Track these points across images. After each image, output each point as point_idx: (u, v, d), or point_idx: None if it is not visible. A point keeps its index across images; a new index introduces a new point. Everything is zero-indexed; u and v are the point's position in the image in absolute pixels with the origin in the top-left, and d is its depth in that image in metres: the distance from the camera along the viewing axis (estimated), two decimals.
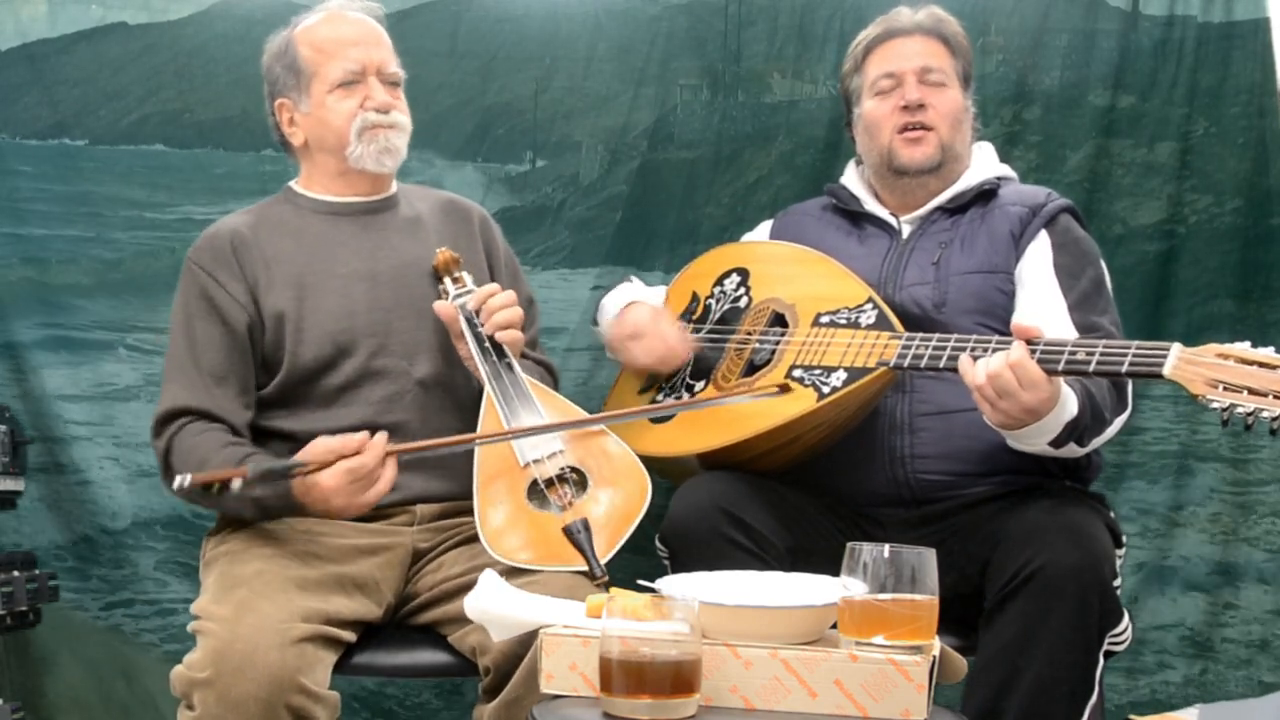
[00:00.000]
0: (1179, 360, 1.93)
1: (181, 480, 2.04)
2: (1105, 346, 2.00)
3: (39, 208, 2.96)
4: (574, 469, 2.20)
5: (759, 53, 3.04)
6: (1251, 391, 1.86)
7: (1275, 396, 1.84)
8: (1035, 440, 2.10)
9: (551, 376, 2.53)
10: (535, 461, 2.20)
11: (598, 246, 3.04)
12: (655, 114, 3.04)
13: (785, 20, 3.03)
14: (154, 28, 3.01)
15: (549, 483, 2.18)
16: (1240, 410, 1.86)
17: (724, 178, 3.04)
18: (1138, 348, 1.97)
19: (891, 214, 2.46)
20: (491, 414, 2.24)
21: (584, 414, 2.31)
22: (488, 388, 2.26)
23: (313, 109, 2.35)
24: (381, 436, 2.14)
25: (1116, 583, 2.09)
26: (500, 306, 2.30)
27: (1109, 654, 2.07)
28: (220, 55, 3.01)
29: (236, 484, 2.06)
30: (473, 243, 2.47)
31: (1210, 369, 1.90)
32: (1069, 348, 2.02)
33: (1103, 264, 2.37)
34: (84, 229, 2.97)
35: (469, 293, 2.32)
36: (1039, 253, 2.33)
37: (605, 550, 2.11)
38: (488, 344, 2.28)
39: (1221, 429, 2.92)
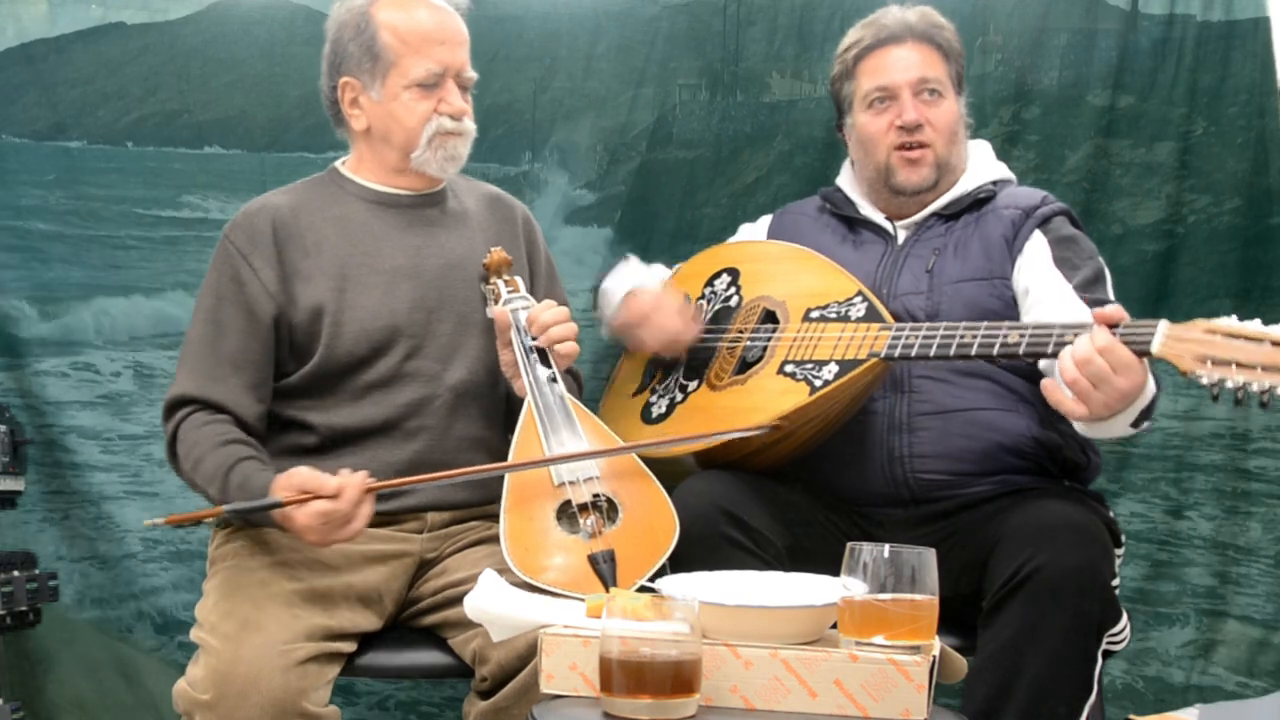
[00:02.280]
0: (1166, 337, 1.93)
1: (154, 520, 2.01)
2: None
3: (38, 207, 2.96)
4: (607, 499, 2.16)
5: (758, 53, 3.04)
6: (1239, 365, 1.86)
7: (1264, 369, 1.84)
8: (1117, 427, 2.07)
9: (578, 384, 2.50)
10: (570, 484, 2.15)
11: (597, 247, 3.04)
12: (654, 114, 3.04)
13: (784, 20, 3.02)
14: (153, 28, 3.01)
15: (581, 507, 2.13)
16: (1229, 385, 1.86)
17: (723, 178, 3.04)
18: (1125, 326, 1.97)
19: (887, 219, 2.45)
20: (530, 428, 2.20)
21: (619, 442, 2.26)
22: (529, 399, 2.22)
23: (385, 100, 2.27)
24: (358, 478, 2.03)
25: (1115, 582, 2.10)
26: (555, 320, 2.24)
27: (1108, 653, 2.07)
28: (219, 55, 3.01)
29: (210, 519, 2.07)
30: (515, 241, 2.43)
31: (1198, 344, 1.90)
32: (1057, 330, 2.02)
33: (1102, 262, 2.36)
34: (83, 229, 2.97)
35: (522, 298, 2.28)
36: (1036, 252, 2.32)
37: (626, 585, 2.07)
38: (535, 355, 2.24)
39: (1220, 422, 2.95)
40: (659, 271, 2.62)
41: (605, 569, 2.06)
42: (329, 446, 2.24)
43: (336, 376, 2.24)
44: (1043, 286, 2.27)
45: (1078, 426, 2.15)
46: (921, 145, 2.38)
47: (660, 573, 2.10)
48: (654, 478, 2.21)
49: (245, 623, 1.99)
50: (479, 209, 2.44)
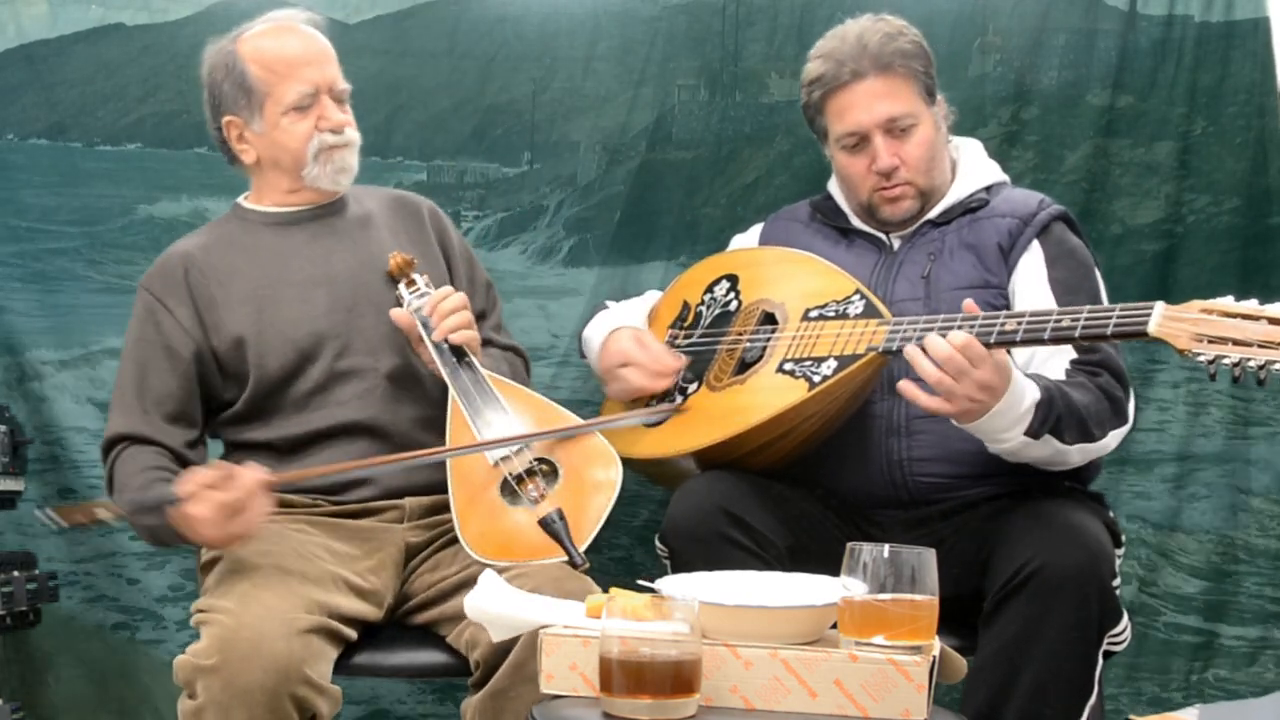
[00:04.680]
0: (1163, 318, 1.93)
1: (43, 516, 2.08)
2: (1090, 311, 2.00)
3: (38, 208, 2.96)
4: (543, 460, 2.21)
5: (757, 53, 3.04)
6: (1236, 343, 1.87)
7: (1260, 345, 1.85)
8: (1011, 432, 2.07)
9: (521, 359, 2.55)
10: (503, 459, 2.21)
11: (596, 247, 3.05)
12: (654, 114, 3.04)
13: (784, 20, 3.02)
14: (152, 29, 3.01)
15: (518, 478, 2.19)
16: (1226, 361, 1.87)
17: (722, 178, 3.04)
18: (1122, 309, 1.98)
19: (880, 228, 2.44)
20: (458, 416, 2.25)
21: (550, 407, 2.31)
22: (451, 390, 2.27)
23: (266, 130, 2.35)
24: (252, 469, 2.09)
25: (1116, 582, 2.10)
26: (450, 310, 2.29)
27: (1108, 654, 2.07)
28: None
29: (104, 514, 2.12)
30: (425, 235, 2.49)
31: (1194, 324, 1.90)
32: (1053, 317, 2.02)
33: (1098, 275, 2.35)
34: (82, 229, 2.98)
35: (422, 294, 2.33)
36: (1032, 266, 2.31)
37: (584, 536, 2.13)
38: (445, 346, 2.29)
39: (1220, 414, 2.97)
40: (638, 306, 2.61)
41: (558, 528, 2.12)
42: (292, 455, 2.30)
43: (275, 392, 2.31)
44: (1037, 306, 2.25)
45: (986, 443, 2.15)
46: (900, 183, 2.37)
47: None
48: (589, 427, 2.26)
49: (246, 595, 2.03)
50: (382, 210, 2.50)
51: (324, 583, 2.11)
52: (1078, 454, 2.17)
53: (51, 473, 2.92)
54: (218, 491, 2.03)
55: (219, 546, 2.15)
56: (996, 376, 2.01)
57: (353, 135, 2.38)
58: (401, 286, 2.35)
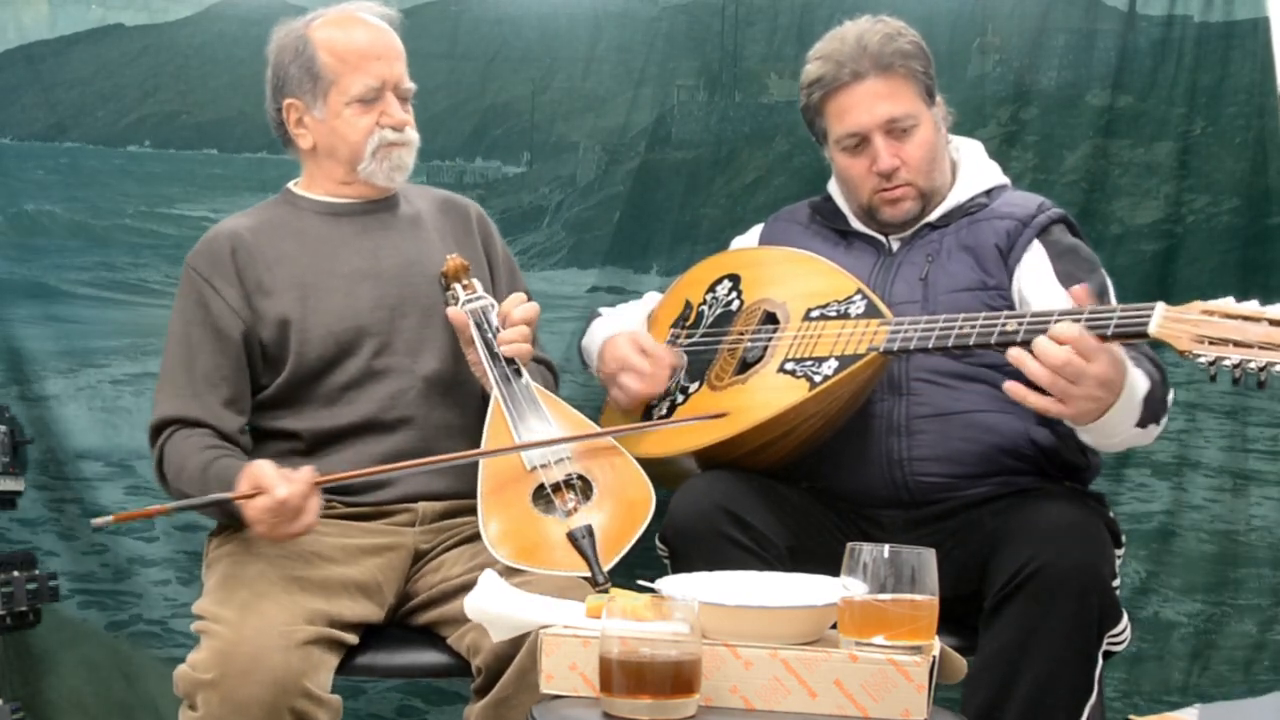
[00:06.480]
0: (1164, 318, 1.92)
1: (104, 521, 2.05)
2: (1090, 312, 1.99)
3: (37, 209, 2.96)
4: (580, 476, 2.21)
5: (757, 53, 3.04)
6: (1237, 344, 1.86)
7: (1261, 347, 1.85)
8: (1123, 423, 2.05)
9: (551, 374, 2.55)
10: (542, 467, 2.21)
11: (596, 247, 3.05)
12: (653, 114, 3.04)
13: (784, 20, 3.03)
14: (152, 29, 3.01)
15: (555, 488, 2.18)
16: (1227, 363, 1.86)
17: (722, 178, 3.04)
18: (1123, 309, 1.97)
19: (879, 230, 2.44)
20: (499, 420, 2.25)
21: (589, 423, 2.32)
22: (495, 394, 2.27)
23: (328, 118, 2.34)
24: (304, 472, 2.08)
25: (1116, 582, 2.09)
26: (521, 319, 2.30)
27: (1108, 654, 2.07)
28: (218, 57, 3.01)
29: (159, 514, 2.13)
30: (471, 239, 2.49)
31: (1195, 325, 1.90)
32: (1054, 317, 2.01)
33: (1103, 269, 2.35)
34: (81, 230, 2.97)
35: (479, 298, 2.33)
36: (1036, 264, 2.31)
37: (608, 558, 2.11)
38: (497, 350, 2.29)
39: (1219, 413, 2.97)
40: (636, 308, 2.62)
41: (585, 544, 2.11)
42: (316, 449, 2.29)
43: (310, 382, 2.30)
44: (1048, 304, 2.24)
45: (1085, 438, 2.15)
46: (901, 184, 2.36)
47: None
48: (626, 452, 2.26)
49: (246, 606, 2.03)
50: (431, 211, 2.49)
51: (328, 587, 2.11)
52: (1152, 436, 2.16)
53: (51, 473, 2.91)
54: (268, 497, 2.03)
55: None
56: (1114, 370, 1.97)
57: (412, 135, 2.38)
58: (457, 287, 2.35)
